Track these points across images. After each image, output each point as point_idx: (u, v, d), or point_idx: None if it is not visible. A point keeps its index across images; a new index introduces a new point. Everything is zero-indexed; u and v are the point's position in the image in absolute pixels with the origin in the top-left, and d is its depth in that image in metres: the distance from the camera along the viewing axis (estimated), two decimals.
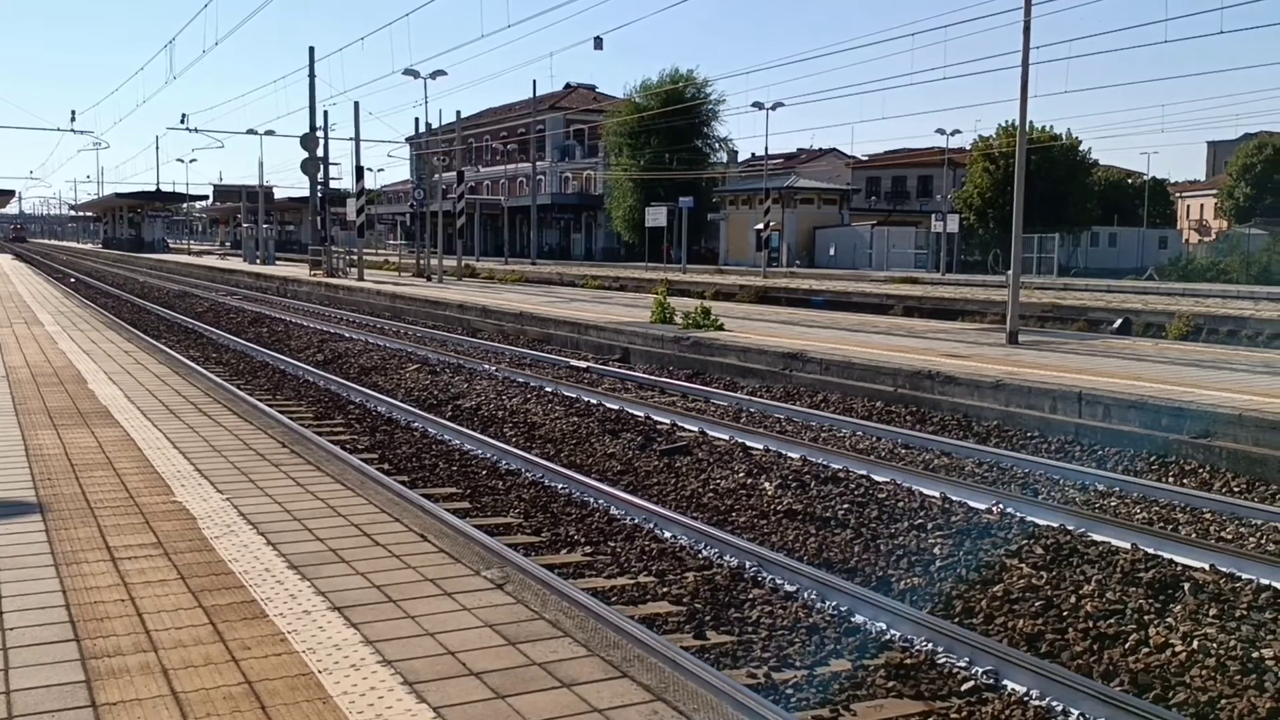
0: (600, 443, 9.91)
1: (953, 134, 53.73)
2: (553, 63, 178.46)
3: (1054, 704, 4.55)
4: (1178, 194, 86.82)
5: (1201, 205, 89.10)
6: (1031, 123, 40.51)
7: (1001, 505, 7.55)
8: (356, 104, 61.78)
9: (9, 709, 2.86)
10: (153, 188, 77.16)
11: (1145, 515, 7.66)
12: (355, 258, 36.38)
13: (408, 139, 67.85)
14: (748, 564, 6.28)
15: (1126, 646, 5.22)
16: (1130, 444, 9.65)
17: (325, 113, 63.51)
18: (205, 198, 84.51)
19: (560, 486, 8.20)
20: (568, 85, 78.37)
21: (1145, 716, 4.32)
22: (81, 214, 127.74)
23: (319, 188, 40.70)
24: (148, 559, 4.23)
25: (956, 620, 5.58)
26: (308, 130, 39.35)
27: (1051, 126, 52.85)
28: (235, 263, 51.06)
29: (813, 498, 7.92)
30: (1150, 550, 6.55)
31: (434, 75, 40.08)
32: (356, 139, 39.19)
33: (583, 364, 15.50)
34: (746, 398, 12.62)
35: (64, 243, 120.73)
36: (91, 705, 2.89)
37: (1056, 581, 6.08)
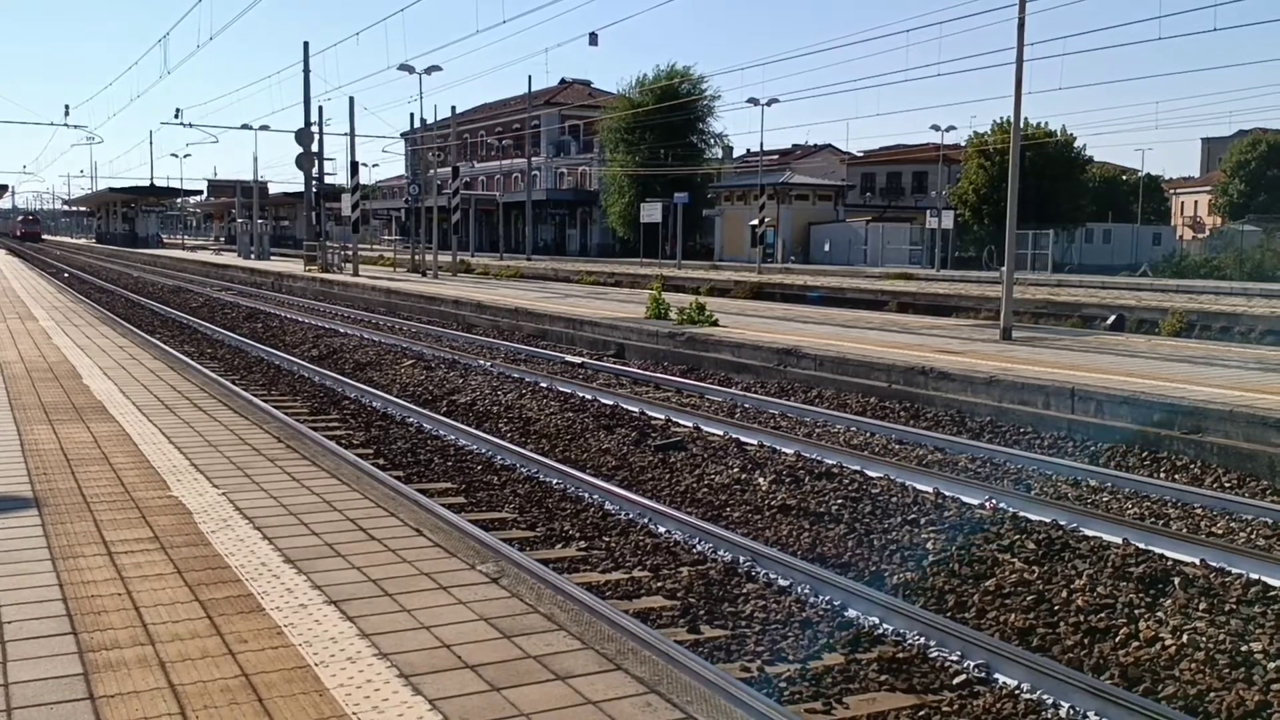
0: (595, 438, 9.93)
1: (948, 130, 53.91)
2: (548, 58, 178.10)
3: (1045, 697, 4.59)
4: (1172, 190, 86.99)
5: (1196, 202, 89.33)
6: (1026, 119, 40.57)
7: (994, 500, 7.60)
8: (351, 99, 61.88)
9: (8, 701, 2.88)
10: (147, 183, 76.92)
11: (1137, 510, 7.71)
12: (350, 253, 36.33)
13: (403, 134, 67.76)
14: (742, 559, 6.31)
15: (1117, 640, 5.26)
16: (1122, 440, 9.70)
17: (320, 108, 63.58)
18: (200, 193, 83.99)
19: (555, 482, 8.22)
20: (563, 81, 78.25)
21: (1135, 709, 4.36)
22: (75, 209, 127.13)
23: (314, 183, 40.66)
24: (144, 553, 4.25)
25: (949, 615, 5.61)
26: (302, 125, 39.30)
27: (1046, 123, 52.96)
28: (230, 258, 50.97)
29: (807, 493, 7.95)
30: (1141, 545, 6.59)
31: (429, 71, 40.16)
32: (351, 134, 39.23)
33: (578, 360, 15.52)
34: (741, 393, 12.65)
35: (58, 238, 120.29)
36: (89, 698, 2.91)
37: (1048, 576, 6.12)
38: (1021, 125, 17.08)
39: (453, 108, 47.09)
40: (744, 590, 5.87)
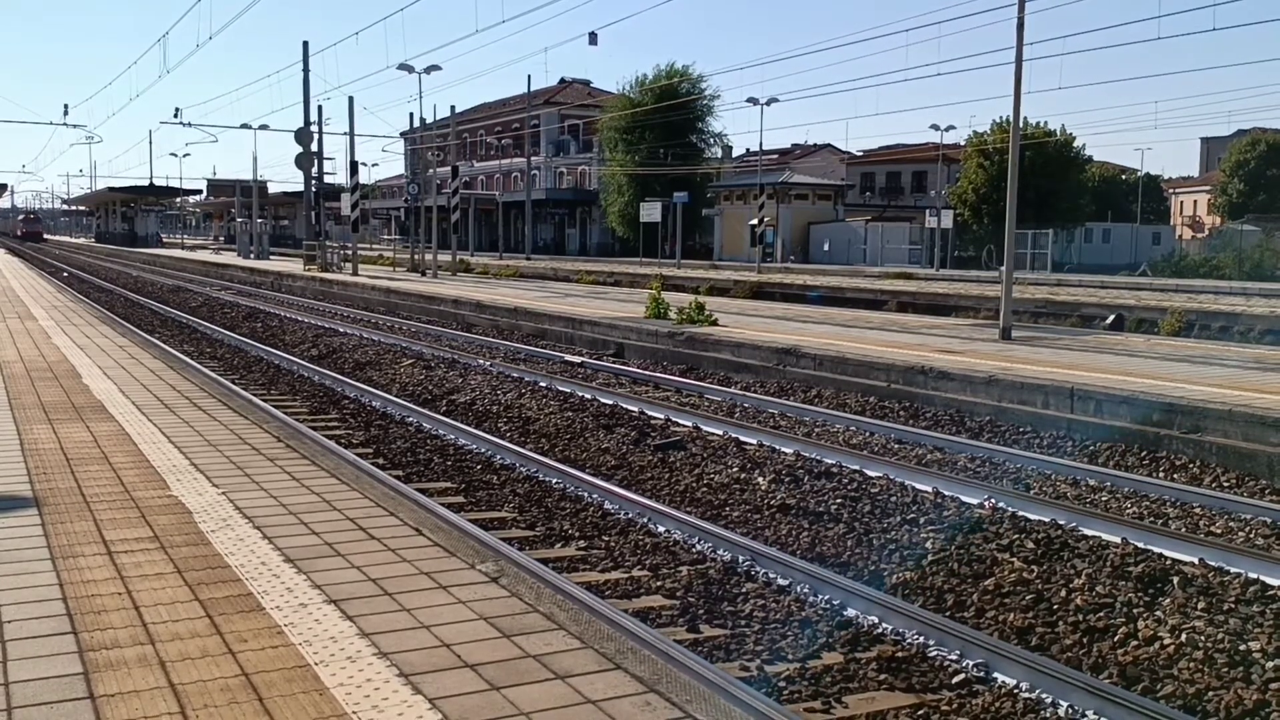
0: (594, 438, 9.94)
1: (947, 130, 53.86)
2: (548, 58, 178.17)
3: (1044, 696, 4.60)
4: (1171, 190, 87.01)
5: (1195, 201, 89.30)
6: (1025, 119, 40.50)
7: (993, 500, 7.60)
8: (351, 99, 61.79)
9: (8, 701, 2.89)
10: (146, 182, 76.86)
11: (1136, 510, 7.71)
12: (349, 253, 36.33)
13: (402, 134, 67.73)
14: (741, 558, 6.31)
15: (1115, 639, 5.26)
16: (1121, 439, 9.71)
17: (320, 107, 63.51)
18: (199, 192, 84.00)
19: (555, 481, 8.23)
20: (562, 80, 78.23)
21: (1133, 708, 4.36)
22: (74, 208, 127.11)
23: (313, 183, 40.65)
24: (144, 553, 4.25)
25: (948, 614, 5.62)
26: (302, 125, 39.30)
27: (1045, 123, 52.95)
28: (229, 258, 50.96)
29: (806, 492, 7.96)
30: (1140, 544, 6.59)
31: (429, 70, 40.16)
32: (351, 134, 39.21)
33: (577, 359, 15.52)
34: (740, 393, 12.66)
35: (57, 237, 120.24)
36: (90, 697, 2.91)
37: (1047, 575, 6.12)
38: (1021, 125, 17.08)
39: (452, 107, 47.11)
40: (743, 589, 5.88)
